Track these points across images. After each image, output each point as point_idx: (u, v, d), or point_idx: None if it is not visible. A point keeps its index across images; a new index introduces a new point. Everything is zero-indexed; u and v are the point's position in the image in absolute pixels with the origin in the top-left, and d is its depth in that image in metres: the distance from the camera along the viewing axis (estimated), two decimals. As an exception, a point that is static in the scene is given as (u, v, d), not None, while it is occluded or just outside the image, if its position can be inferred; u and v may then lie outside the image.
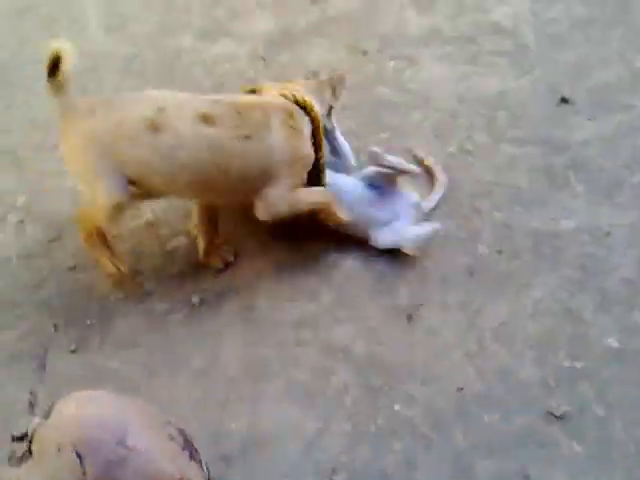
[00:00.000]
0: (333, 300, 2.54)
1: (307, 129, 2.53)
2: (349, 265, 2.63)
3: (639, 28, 3.38)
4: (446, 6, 3.53)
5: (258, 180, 2.45)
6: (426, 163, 2.88)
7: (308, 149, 2.52)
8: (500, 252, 2.63)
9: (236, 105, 2.43)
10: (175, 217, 2.78)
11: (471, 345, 2.41)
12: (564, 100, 3.08)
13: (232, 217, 2.74)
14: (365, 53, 3.40)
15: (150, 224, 2.77)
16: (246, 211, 2.57)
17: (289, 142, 2.45)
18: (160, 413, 1.99)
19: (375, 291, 2.56)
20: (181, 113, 2.36)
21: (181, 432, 1.96)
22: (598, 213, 2.71)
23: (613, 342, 2.39)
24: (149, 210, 2.78)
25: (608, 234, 2.65)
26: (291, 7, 3.65)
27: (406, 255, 2.62)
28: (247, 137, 2.39)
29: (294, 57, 3.41)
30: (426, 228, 2.63)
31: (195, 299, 2.56)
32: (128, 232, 2.75)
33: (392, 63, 3.33)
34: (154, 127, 2.32)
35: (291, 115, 2.49)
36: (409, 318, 2.49)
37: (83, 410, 1.87)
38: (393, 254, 2.63)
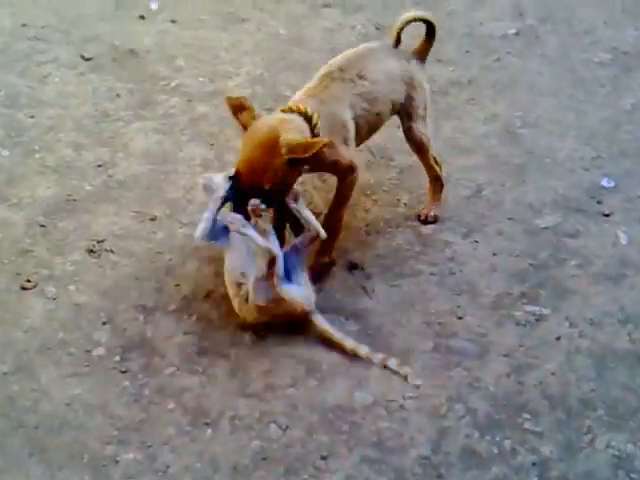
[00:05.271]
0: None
1: None
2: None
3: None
4: (236, 172, 3.51)
5: None
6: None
7: None
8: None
9: None
10: None
11: None
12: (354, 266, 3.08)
13: None
14: (154, 219, 3.28)
15: None
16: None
17: None
18: None
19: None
20: None
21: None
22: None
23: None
24: None
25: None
26: (75, 171, 3.48)
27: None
28: None
29: (77, 224, 3.21)
30: None
31: None
32: None
33: (182, 230, 3.22)
34: None
35: None
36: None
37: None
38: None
